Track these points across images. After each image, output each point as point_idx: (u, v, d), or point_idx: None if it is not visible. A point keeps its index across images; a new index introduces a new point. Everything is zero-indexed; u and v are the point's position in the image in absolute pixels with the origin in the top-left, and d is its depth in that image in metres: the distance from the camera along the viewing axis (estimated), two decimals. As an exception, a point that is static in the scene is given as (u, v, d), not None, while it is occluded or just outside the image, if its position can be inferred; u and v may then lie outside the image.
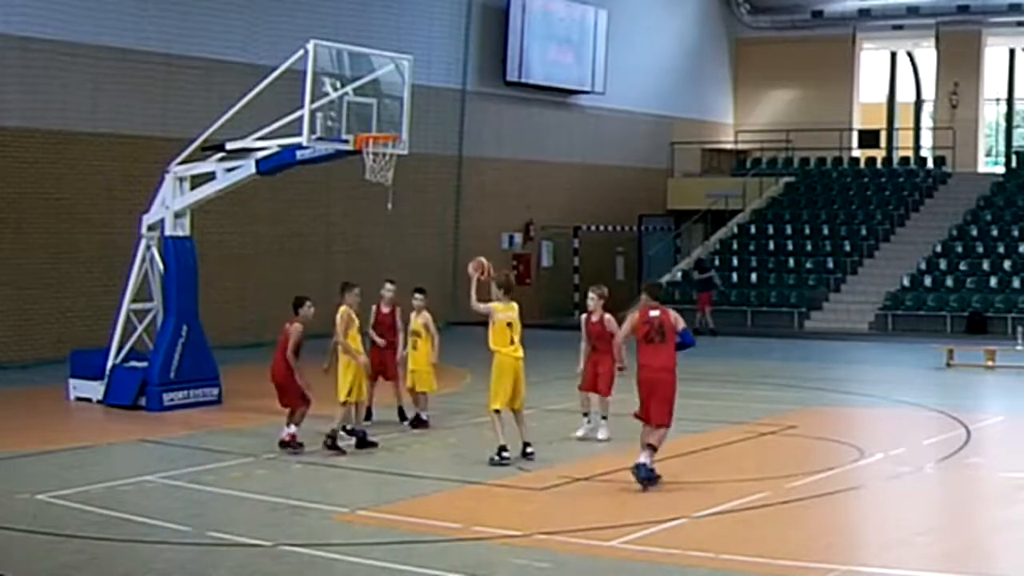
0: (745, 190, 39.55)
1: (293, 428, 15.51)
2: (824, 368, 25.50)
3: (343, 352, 15.72)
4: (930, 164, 40.84)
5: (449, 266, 34.26)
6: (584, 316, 16.52)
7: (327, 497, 13.10)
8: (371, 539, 11.35)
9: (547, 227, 37.40)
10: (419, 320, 17.35)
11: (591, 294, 16.33)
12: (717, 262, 37.32)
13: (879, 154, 42.25)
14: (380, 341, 17.45)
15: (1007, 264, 33.72)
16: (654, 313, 13.54)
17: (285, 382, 15.58)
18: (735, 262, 37.02)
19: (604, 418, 16.40)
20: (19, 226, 24.88)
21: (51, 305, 25.31)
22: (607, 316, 16.21)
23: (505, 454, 14.68)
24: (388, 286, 17.86)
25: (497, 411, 14.73)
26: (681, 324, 13.64)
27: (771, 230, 38.08)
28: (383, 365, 17.48)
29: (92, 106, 25.92)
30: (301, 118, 18.05)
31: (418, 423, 17.46)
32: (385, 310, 17.71)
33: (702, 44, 43.75)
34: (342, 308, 15.78)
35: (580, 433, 16.47)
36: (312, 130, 18.03)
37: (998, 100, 43.99)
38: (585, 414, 16.61)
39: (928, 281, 33.91)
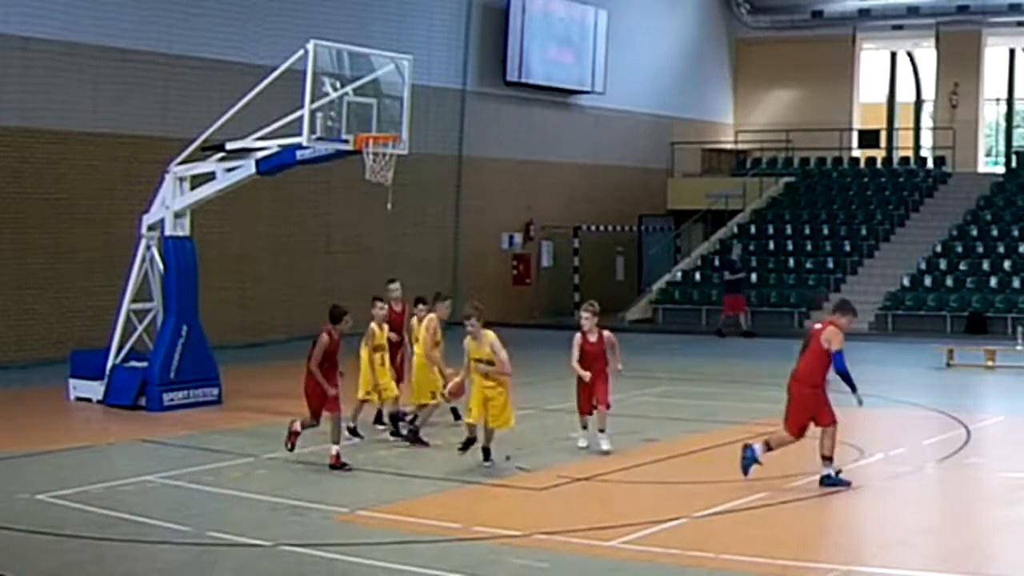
0: (745, 190, 39.52)
1: (335, 448, 14.61)
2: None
3: (423, 356, 16.08)
4: (930, 164, 40.81)
5: (449, 266, 34.29)
6: (578, 336, 15.51)
7: (327, 497, 13.10)
8: (371, 539, 11.35)
9: (547, 227, 37.39)
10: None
11: (584, 313, 15.58)
12: (717, 262, 37.30)
13: (879, 154, 42.23)
14: (394, 337, 17.51)
15: (1007, 264, 33.70)
16: (816, 325, 13.80)
17: (307, 392, 14.88)
18: (735, 262, 37.03)
19: (602, 431, 15.63)
20: (19, 226, 24.87)
21: (51, 305, 25.29)
22: (606, 333, 15.57)
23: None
24: (392, 286, 18.00)
25: None
26: (834, 345, 13.44)
27: (771, 230, 38.05)
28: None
29: (92, 106, 25.91)
30: (301, 118, 18.04)
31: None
32: (397, 308, 17.86)
33: (702, 44, 43.75)
34: (430, 316, 16.30)
35: (583, 444, 15.83)
36: (312, 130, 18.02)
37: (998, 100, 43.98)
38: (584, 426, 15.97)
39: (928, 281, 33.89)
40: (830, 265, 35.75)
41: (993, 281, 33.22)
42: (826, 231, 37.26)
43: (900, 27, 42.39)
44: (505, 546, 11.10)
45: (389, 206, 19.27)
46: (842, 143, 41.49)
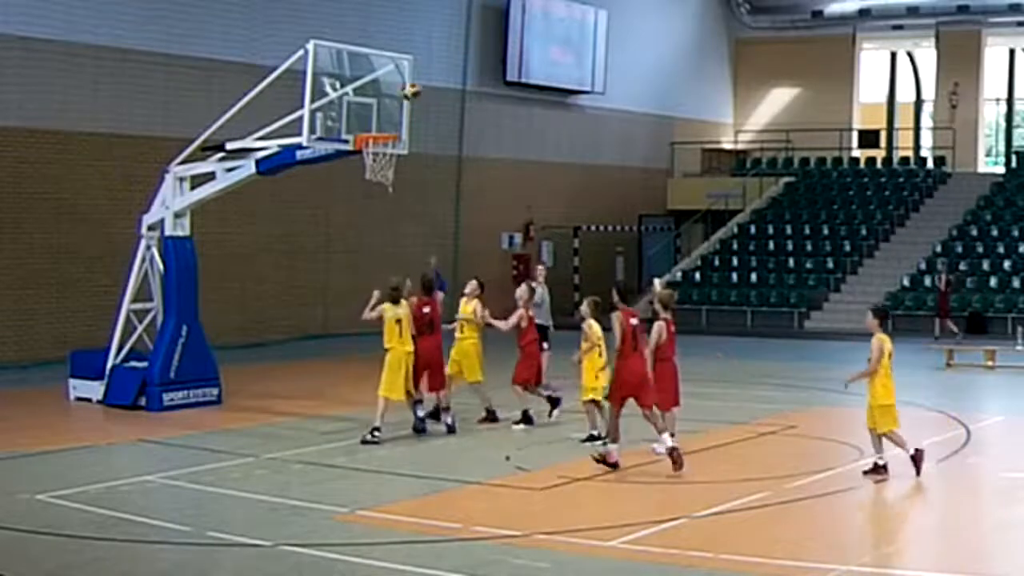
0: (745, 190, 39.54)
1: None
2: (824, 368, 25.46)
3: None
4: (930, 164, 40.83)
5: (449, 266, 34.27)
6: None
7: (327, 497, 13.09)
8: (371, 539, 11.35)
9: (547, 227, 37.40)
10: (469, 307, 17.80)
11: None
12: (717, 262, 37.32)
13: (879, 154, 42.24)
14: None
15: (1007, 264, 33.71)
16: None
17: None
18: (735, 262, 37.01)
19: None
20: (19, 226, 24.87)
21: (51, 305, 25.30)
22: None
23: (377, 433, 15.76)
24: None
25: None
26: None
27: (771, 230, 38.07)
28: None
29: (92, 106, 25.91)
30: (301, 118, 18.03)
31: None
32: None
33: (702, 44, 43.74)
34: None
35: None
36: (312, 130, 18.01)
37: (998, 100, 43.98)
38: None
39: (928, 281, 33.89)
40: (830, 265, 35.77)
41: (993, 281, 33.23)
42: (826, 231, 37.28)
43: (900, 27, 42.40)
44: (505, 546, 11.10)
45: (390, 189, 19.00)
46: (842, 143, 41.50)
